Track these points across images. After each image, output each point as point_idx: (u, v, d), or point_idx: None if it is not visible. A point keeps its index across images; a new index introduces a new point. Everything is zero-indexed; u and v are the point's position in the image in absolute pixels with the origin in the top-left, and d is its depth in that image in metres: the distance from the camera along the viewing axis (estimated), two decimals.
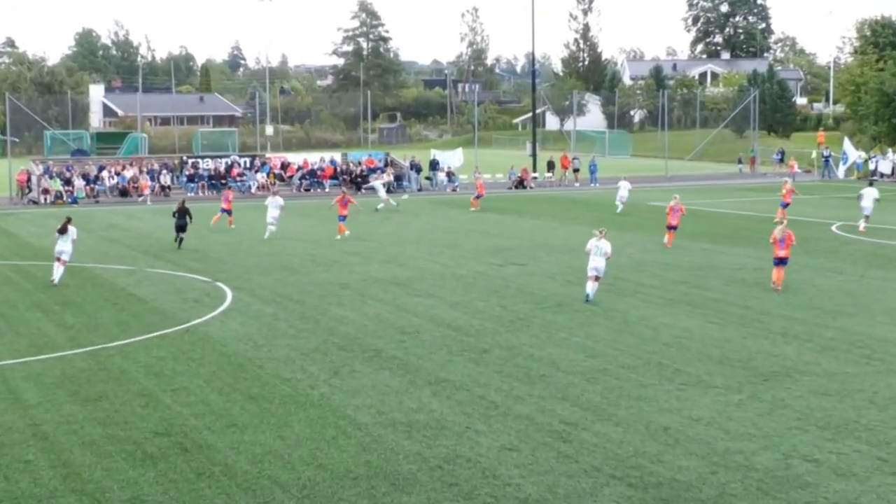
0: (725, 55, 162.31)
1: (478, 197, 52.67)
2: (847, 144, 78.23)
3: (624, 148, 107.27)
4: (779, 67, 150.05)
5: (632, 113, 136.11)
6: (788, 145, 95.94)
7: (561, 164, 72.67)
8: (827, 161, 78.20)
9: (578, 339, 21.90)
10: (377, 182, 54.68)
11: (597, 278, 26.30)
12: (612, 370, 19.36)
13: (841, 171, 78.17)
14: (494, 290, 28.06)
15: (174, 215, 36.92)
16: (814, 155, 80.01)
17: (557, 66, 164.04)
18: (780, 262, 28.12)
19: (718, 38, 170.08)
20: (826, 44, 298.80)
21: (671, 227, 37.02)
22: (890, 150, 78.62)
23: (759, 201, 55.94)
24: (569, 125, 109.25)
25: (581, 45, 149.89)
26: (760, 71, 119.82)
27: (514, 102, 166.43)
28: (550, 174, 72.19)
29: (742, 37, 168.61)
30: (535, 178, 71.35)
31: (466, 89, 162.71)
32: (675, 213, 36.86)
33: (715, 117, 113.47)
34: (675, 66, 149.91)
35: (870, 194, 42.07)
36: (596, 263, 26.17)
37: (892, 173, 75.59)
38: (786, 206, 45.98)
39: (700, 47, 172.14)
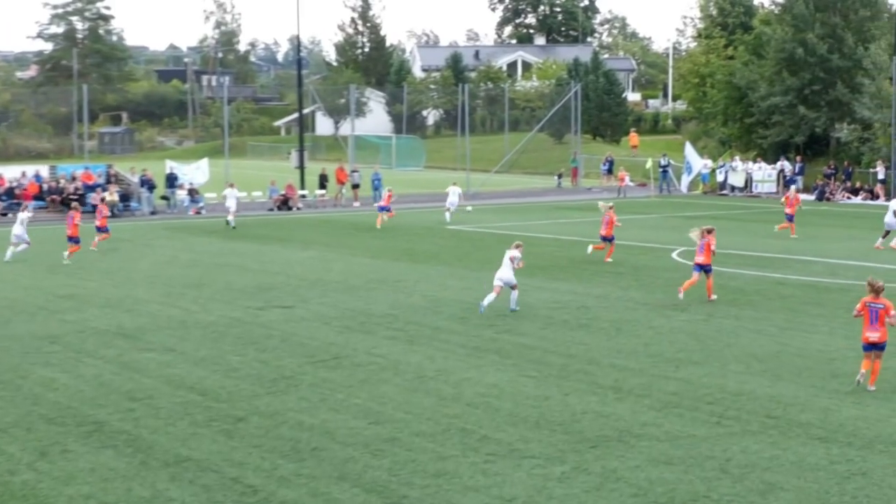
0: (540, 40, 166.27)
1: (384, 209, 55.45)
2: (690, 151, 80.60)
3: (415, 157, 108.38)
4: (606, 55, 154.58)
5: (425, 113, 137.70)
6: (619, 152, 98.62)
7: (336, 178, 72.93)
8: (665, 172, 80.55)
9: (360, 402, 21.91)
10: (231, 191, 57.53)
11: (513, 287, 31.05)
12: (402, 439, 19.44)
13: (683, 184, 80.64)
14: (252, 340, 27.88)
15: None
16: (649, 164, 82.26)
17: (330, 54, 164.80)
18: (699, 268, 32.94)
19: (531, 19, 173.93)
20: (664, 25, 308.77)
21: (606, 239, 41.78)
22: (738, 157, 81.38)
23: (582, 222, 57.21)
24: (345, 129, 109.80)
25: (360, 27, 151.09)
26: (583, 60, 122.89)
27: (275, 100, 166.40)
28: (323, 191, 72.34)
29: (560, 17, 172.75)
30: (303, 196, 71.37)
31: (213, 83, 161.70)
32: (605, 223, 41.92)
33: (528, 118, 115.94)
34: (477, 55, 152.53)
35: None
36: (500, 273, 31.02)
37: (746, 186, 78.38)
38: (791, 218, 50.72)
39: (508, 30, 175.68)
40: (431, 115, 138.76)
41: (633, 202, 72.17)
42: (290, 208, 67.19)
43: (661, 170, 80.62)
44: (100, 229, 46.42)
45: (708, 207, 67.71)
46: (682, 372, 24.30)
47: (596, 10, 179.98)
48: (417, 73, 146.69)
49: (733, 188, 78.40)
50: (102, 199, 46.45)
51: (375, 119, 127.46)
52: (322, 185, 72.79)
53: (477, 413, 21.08)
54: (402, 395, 22.46)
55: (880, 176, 73.12)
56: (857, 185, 75.32)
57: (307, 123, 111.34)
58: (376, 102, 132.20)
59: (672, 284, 35.98)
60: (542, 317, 30.87)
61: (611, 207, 42.20)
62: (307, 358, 25.88)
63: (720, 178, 79.86)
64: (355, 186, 72.40)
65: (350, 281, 37.47)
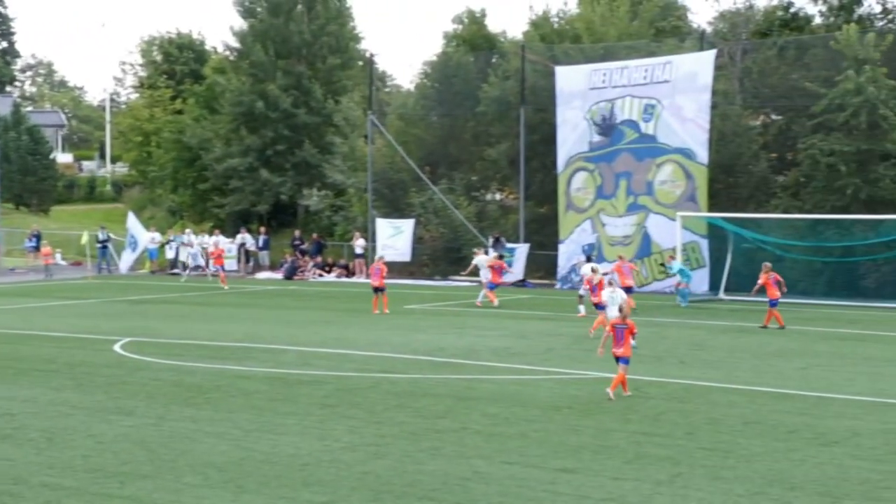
0: None
1: (492, 287, 56.64)
2: (133, 222, 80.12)
3: None
4: (29, 108, 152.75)
5: None
6: (49, 225, 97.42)
7: None
8: (105, 248, 79.97)
9: None
10: None
11: None
12: None
13: (125, 262, 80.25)
14: None
15: None
16: (84, 239, 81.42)
17: None
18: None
19: None
20: (99, 73, 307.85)
21: (626, 289, 44.67)
22: (190, 230, 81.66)
23: (6, 310, 56.17)
24: None
25: None
26: (2, 113, 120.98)
27: None
28: None
29: None
30: None
31: None
32: (625, 272, 48.69)
33: None
34: None
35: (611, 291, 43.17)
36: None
37: (207, 264, 78.78)
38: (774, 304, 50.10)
39: None
40: None
41: (65, 284, 71.33)
42: None
43: (99, 245, 79.94)
44: None
45: (158, 289, 67.68)
46: (129, 488, 24.00)
47: (17, 55, 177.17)
48: None
49: (185, 266, 78.74)
50: None
51: None
52: None
53: None
54: None
55: (358, 250, 74.53)
56: (330, 260, 77.03)
57: None
58: None
59: (115, 382, 35.71)
60: None
61: (620, 257, 48.61)
62: None
63: (170, 254, 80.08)
64: None
65: None
